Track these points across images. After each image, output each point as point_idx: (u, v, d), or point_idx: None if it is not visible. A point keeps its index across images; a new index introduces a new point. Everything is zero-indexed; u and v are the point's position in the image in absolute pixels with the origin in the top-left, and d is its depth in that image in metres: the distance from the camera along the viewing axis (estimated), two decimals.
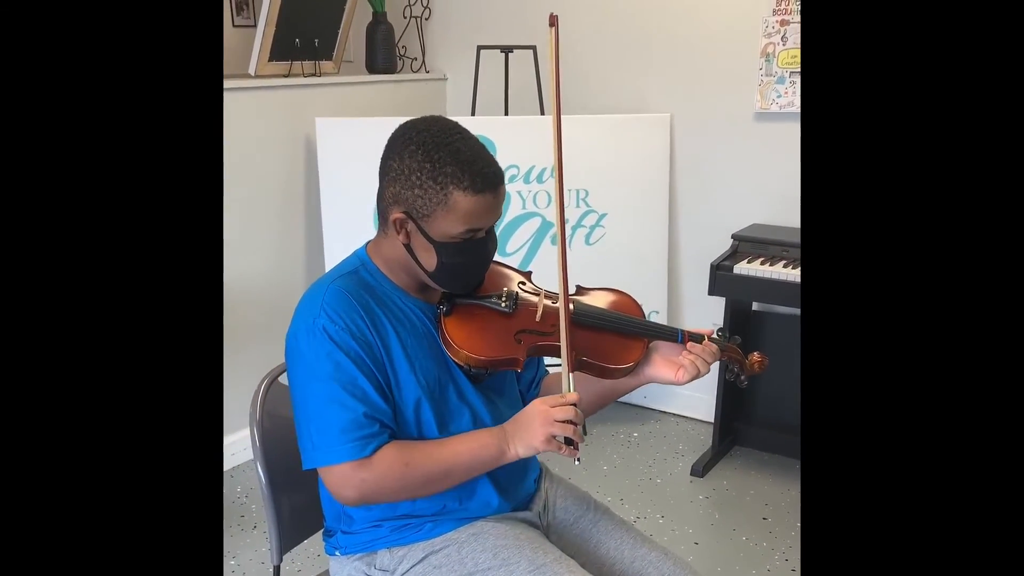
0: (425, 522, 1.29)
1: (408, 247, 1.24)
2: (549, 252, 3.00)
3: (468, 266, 1.26)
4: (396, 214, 1.22)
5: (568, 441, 1.19)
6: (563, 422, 1.19)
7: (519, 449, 1.22)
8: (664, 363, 1.36)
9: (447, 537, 1.28)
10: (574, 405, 1.20)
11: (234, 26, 3.08)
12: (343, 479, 1.19)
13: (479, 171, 1.18)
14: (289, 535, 1.45)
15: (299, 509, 1.44)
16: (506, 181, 3.18)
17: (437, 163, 1.17)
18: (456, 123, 1.24)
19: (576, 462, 1.22)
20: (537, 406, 1.21)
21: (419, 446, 1.23)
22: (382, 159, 1.24)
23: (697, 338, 1.36)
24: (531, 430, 1.20)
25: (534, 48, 3.02)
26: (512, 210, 2.95)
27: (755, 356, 1.45)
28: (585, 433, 3.11)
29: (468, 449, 1.23)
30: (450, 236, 1.20)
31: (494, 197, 1.21)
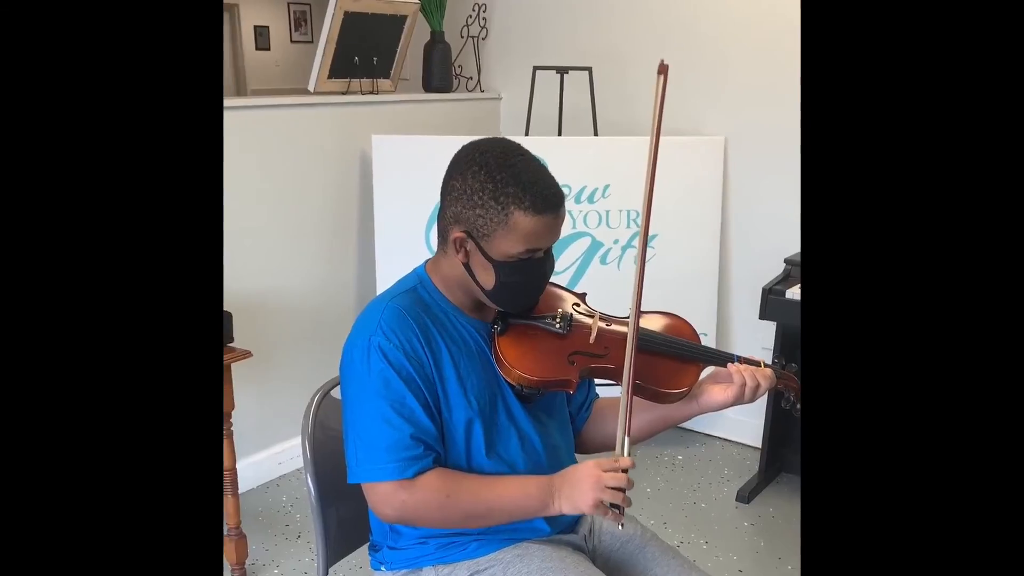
0: (471, 541, 1.30)
1: (467, 266, 1.25)
2: (598, 271, 3.00)
3: (526, 286, 1.27)
4: (456, 233, 1.24)
5: (614, 506, 1.18)
6: (613, 488, 1.17)
7: (564, 506, 1.21)
8: (717, 387, 1.35)
9: (492, 557, 1.29)
10: (626, 471, 1.18)
11: (292, 42, 3.15)
12: (384, 497, 1.21)
13: (540, 192, 1.20)
14: (335, 548, 1.47)
15: (346, 522, 1.46)
16: None
17: (499, 183, 1.19)
18: (519, 144, 1.26)
19: (620, 527, 1.20)
20: (590, 469, 1.20)
21: (464, 480, 1.24)
22: (444, 179, 1.26)
23: (752, 363, 1.35)
24: (580, 491, 1.19)
25: (589, 69, 3.04)
26: (563, 229, 2.95)
27: None
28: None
29: (512, 495, 1.23)
30: (509, 256, 1.22)
31: (554, 218, 1.22)
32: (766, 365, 1.37)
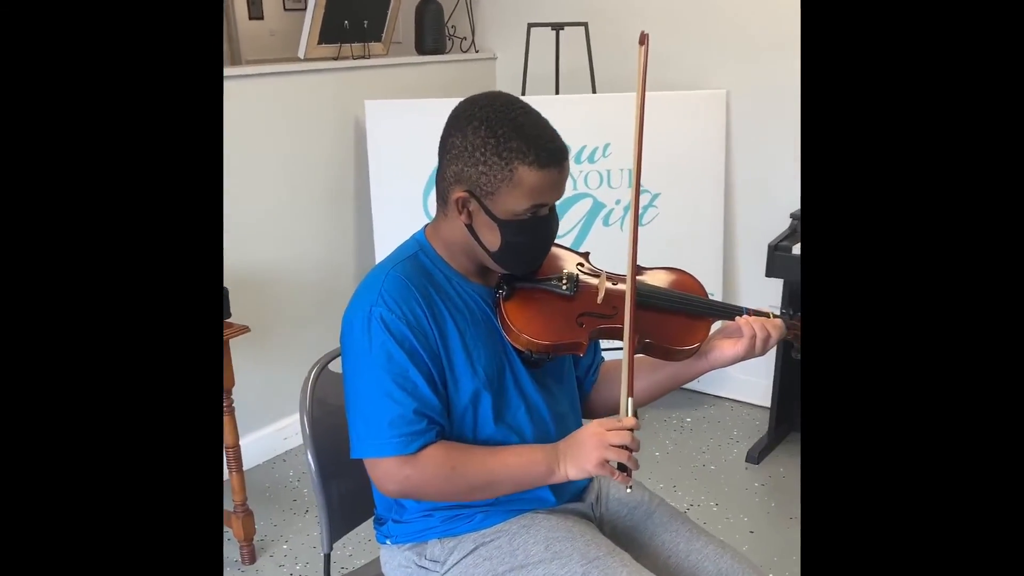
0: (476, 513, 1.27)
1: (470, 227, 1.21)
2: (600, 233, 2.95)
3: (532, 245, 1.23)
4: (458, 193, 1.19)
5: (621, 467, 1.15)
6: (618, 447, 1.14)
7: (570, 470, 1.18)
8: (727, 342, 1.31)
9: (498, 528, 1.26)
10: (631, 431, 1.16)
11: (285, 10, 3.08)
12: (387, 473, 1.18)
13: (544, 145, 1.15)
14: (340, 522, 1.44)
15: (350, 496, 1.44)
16: None
17: (502, 138, 1.15)
18: (518, 98, 1.21)
19: (628, 489, 1.18)
20: (593, 428, 1.17)
21: (468, 451, 1.21)
22: (442, 137, 1.21)
23: (762, 315, 1.33)
24: (584, 452, 1.16)
25: (585, 25, 2.95)
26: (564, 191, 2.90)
27: None
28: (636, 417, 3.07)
29: (517, 463, 1.20)
30: (515, 214, 1.18)
31: (559, 172, 1.18)
32: (775, 316, 1.34)
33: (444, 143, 1.20)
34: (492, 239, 1.20)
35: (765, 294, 2.91)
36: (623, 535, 1.35)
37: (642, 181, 2.96)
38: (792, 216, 2.73)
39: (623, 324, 1.21)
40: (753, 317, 1.31)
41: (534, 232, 1.21)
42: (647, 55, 1.19)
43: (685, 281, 1.38)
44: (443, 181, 1.22)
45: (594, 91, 3.03)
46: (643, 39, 1.18)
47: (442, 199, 1.23)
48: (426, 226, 1.30)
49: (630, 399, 1.18)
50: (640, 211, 2.97)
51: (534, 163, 1.15)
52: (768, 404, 2.93)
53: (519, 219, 1.18)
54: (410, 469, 1.17)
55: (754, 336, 1.28)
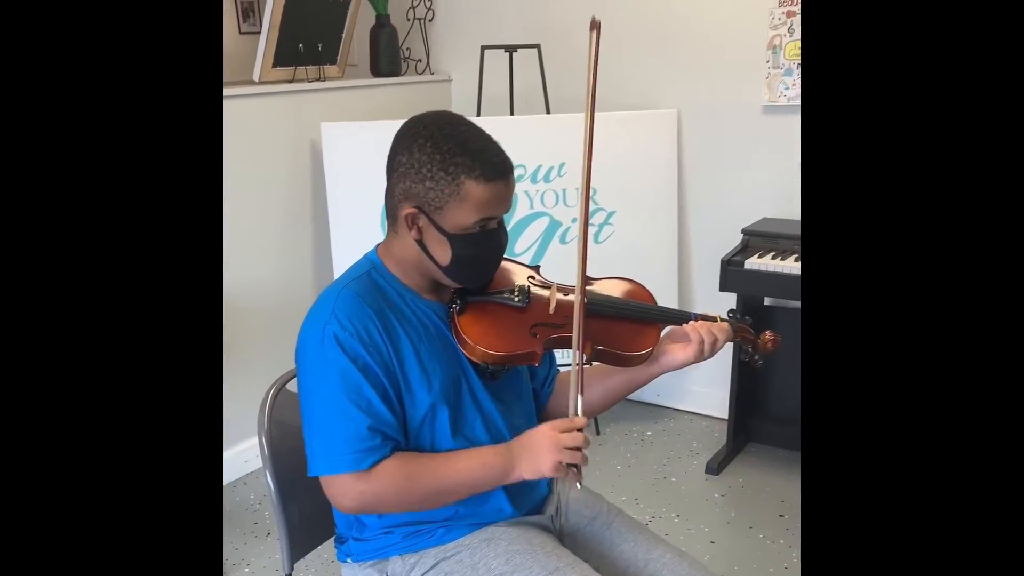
0: (437, 528, 1.28)
1: (421, 243, 1.23)
2: (558, 251, 2.98)
3: (482, 258, 1.25)
4: (407, 209, 1.21)
5: (572, 466, 1.17)
6: (572, 449, 1.17)
7: (524, 472, 1.20)
8: (677, 346, 1.35)
9: (459, 543, 1.27)
10: (581, 430, 1.18)
11: (240, 33, 3.07)
12: (342, 489, 1.19)
13: (489, 160, 1.18)
14: (301, 542, 1.44)
15: (310, 516, 1.43)
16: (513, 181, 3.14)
17: (447, 154, 1.17)
18: (462, 116, 1.24)
19: (578, 486, 1.20)
20: (546, 431, 1.19)
21: (422, 460, 1.22)
22: (389, 156, 1.23)
23: (709, 319, 1.37)
24: (539, 455, 1.19)
25: (538, 47, 3.00)
26: (520, 210, 2.94)
27: (767, 335, 1.46)
28: (598, 432, 3.10)
29: (472, 468, 1.22)
30: (464, 227, 1.20)
31: (505, 185, 1.21)
32: (722, 319, 1.38)
33: (391, 162, 1.23)
34: (442, 254, 1.22)
35: (720, 308, 2.96)
36: (583, 546, 1.37)
37: (598, 200, 3.03)
38: (743, 231, 2.80)
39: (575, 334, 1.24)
40: (700, 322, 1.35)
41: (484, 245, 1.23)
42: (598, 41, 1.20)
43: (634, 289, 1.41)
44: (392, 199, 1.24)
45: (548, 112, 3.08)
46: (594, 25, 1.21)
47: (392, 217, 1.25)
48: (378, 245, 1.32)
49: (580, 397, 1.21)
50: (596, 229, 3.01)
51: (480, 177, 1.17)
52: (726, 416, 2.97)
53: (468, 233, 1.20)
54: (364, 484, 1.18)
55: (702, 341, 1.32)
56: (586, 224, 1.26)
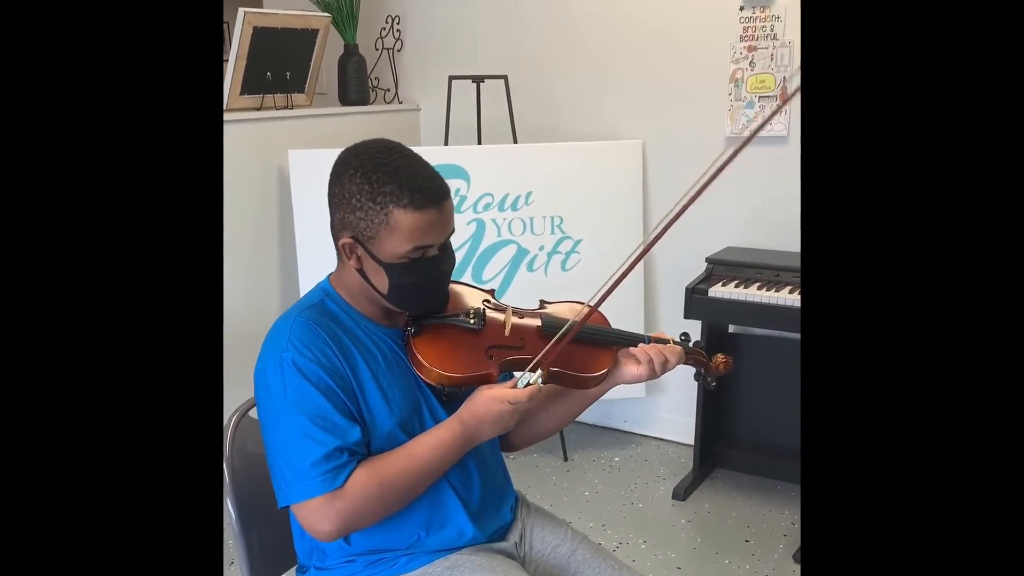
0: (399, 556, 1.27)
1: (361, 272, 1.23)
2: (525, 279, 3.00)
3: (422, 286, 1.24)
4: (344, 239, 1.22)
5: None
6: (514, 401, 1.21)
7: (485, 431, 1.23)
8: (629, 363, 1.37)
9: (422, 571, 1.26)
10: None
11: None
12: (318, 513, 1.16)
13: (419, 187, 1.17)
14: (262, 571, 1.42)
15: (272, 545, 1.42)
16: (481, 210, 3.16)
17: (376, 183, 1.17)
18: (398, 143, 1.24)
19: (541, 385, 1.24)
20: (484, 391, 1.23)
21: (387, 461, 1.21)
22: (328, 187, 1.24)
23: (662, 342, 1.40)
24: (491, 408, 1.21)
25: (505, 77, 3.04)
26: (488, 238, 2.96)
27: (719, 357, 1.50)
28: (566, 459, 3.09)
29: (434, 453, 1.22)
30: (399, 256, 1.20)
31: (438, 212, 1.19)
32: (674, 342, 1.41)
33: (329, 192, 1.23)
34: (380, 282, 1.22)
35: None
36: (547, 573, 1.36)
37: (565, 228, 3.05)
38: (708, 260, 2.83)
39: (532, 355, 1.26)
40: (652, 344, 1.37)
41: (422, 273, 1.22)
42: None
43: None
44: (333, 229, 1.25)
45: (515, 141, 3.11)
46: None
47: (335, 246, 1.26)
48: (330, 275, 1.32)
49: (530, 374, 1.24)
50: (563, 257, 3.04)
51: (408, 205, 1.17)
52: (692, 442, 2.99)
53: (403, 262, 1.20)
54: (340, 502, 1.16)
55: (651, 360, 1.35)
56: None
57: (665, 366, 1.36)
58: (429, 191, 1.18)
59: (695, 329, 2.84)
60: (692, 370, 1.50)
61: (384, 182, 1.17)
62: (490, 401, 1.21)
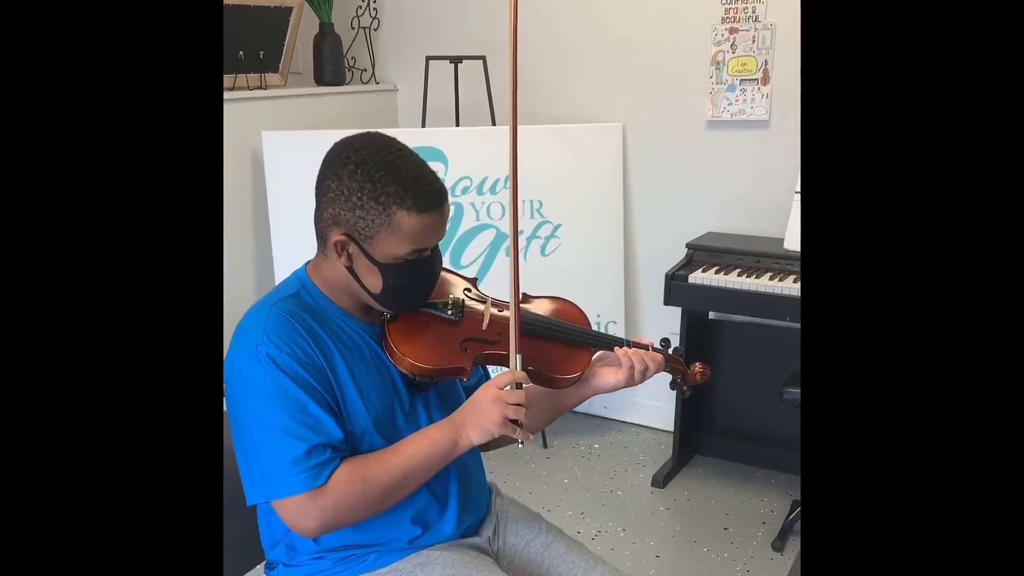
0: (369, 552, 1.24)
1: (351, 269, 1.19)
2: (503, 264, 2.96)
3: (414, 287, 1.22)
4: (337, 236, 1.17)
5: (514, 422, 1.18)
6: (515, 405, 1.17)
7: (472, 436, 1.19)
8: (608, 370, 1.35)
9: (392, 568, 1.23)
10: (520, 386, 1.19)
11: None
12: (301, 510, 1.13)
13: (422, 190, 1.14)
14: (229, 569, 1.38)
15: (239, 540, 1.38)
16: (459, 193, 3.12)
17: (378, 183, 1.13)
18: (395, 139, 1.19)
19: (520, 445, 1.20)
20: (489, 390, 1.19)
21: (372, 459, 1.18)
22: (318, 178, 1.19)
23: (642, 347, 1.36)
24: (484, 414, 1.18)
25: (483, 58, 2.99)
26: (465, 222, 2.91)
27: (697, 367, 1.46)
28: (546, 446, 3.07)
29: (421, 450, 1.19)
30: (395, 257, 1.16)
31: (439, 216, 1.17)
32: (655, 349, 1.37)
33: (320, 185, 1.18)
34: (373, 282, 1.19)
35: (665, 321, 2.97)
36: (521, 569, 1.34)
37: (545, 213, 3.01)
38: (688, 245, 2.81)
39: (508, 351, 1.22)
40: (633, 349, 1.34)
41: (416, 274, 1.20)
42: (516, 8, 1.21)
43: (569, 310, 1.39)
44: (321, 222, 1.20)
45: (494, 123, 3.06)
46: None
47: (321, 240, 1.21)
48: (307, 264, 1.27)
49: (519, 356, 1.21)
50: (543, 241, 3.00)
51: (412, 208, 1.13)
52: (672, 428, 2.97)
53: (399, 262, 1.17)
54: (324, 499, 1.13)
55: (632, 367, 1.32)
56: (516, 205, 1.27)
57: (645, 373, 1.34)
58: (432, 194, 1.15)
59: (675, 316, 2.81)
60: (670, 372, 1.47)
61: (387, 182, 1.13)
62: (483, 394, 1.19)
